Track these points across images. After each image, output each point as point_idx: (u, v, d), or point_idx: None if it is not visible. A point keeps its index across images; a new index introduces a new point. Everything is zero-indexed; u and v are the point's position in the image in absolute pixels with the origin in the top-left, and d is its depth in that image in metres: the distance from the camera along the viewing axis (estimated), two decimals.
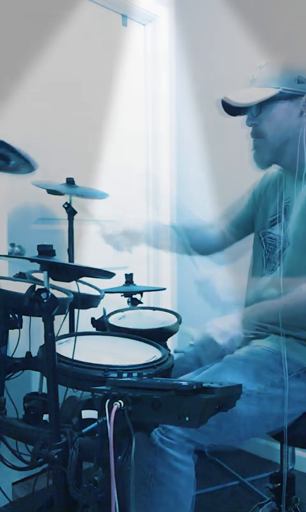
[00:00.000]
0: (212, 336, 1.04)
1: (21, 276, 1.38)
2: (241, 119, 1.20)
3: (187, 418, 0.73)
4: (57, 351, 1.00)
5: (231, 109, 1.18)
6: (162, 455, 0.99)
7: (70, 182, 1.63)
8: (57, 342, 1.02)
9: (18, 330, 1.19)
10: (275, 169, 1.29)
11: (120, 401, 0.77)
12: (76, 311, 1.45)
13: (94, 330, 1.51)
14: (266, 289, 1.22)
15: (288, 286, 1.12)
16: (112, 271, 1.07)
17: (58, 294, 1.22)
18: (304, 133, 1.12)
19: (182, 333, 1.44)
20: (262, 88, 1.11)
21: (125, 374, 0.88)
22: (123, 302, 1.71)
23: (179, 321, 1.53)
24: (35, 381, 1.55)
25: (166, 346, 1.39)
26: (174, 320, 1.55)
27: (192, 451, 1.02)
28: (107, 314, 1.52)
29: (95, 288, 1.53)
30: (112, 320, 1.52)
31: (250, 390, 1.04)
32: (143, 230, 1.38)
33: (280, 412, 1.05)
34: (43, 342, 0.98)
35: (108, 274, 1.07)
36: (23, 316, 1.19)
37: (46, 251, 0.99)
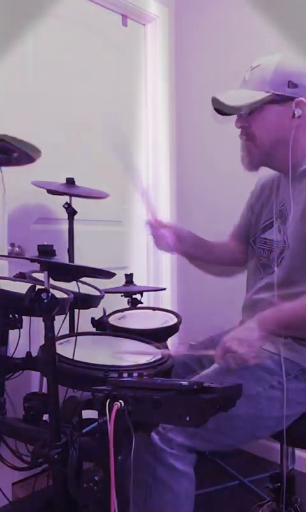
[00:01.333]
0: (231, 347, 1.01)
1: (21, 276, 1.38)
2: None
3: (187, 418, 0.73)
4: (57, 351, 1.00)
5: (220, 110, 1.18)
6: (162, 454, 0.99)
7: (70, 182, 1.63)
8: (57, 342, 1.02)
9: (18, 330, 1.19)
10: (267, 173, 1.28)
11: (120, 401, 0.77)
12: (76, 311, 1.46)
13: (94, 330, 1.51)
14: (262, 291, 1.21)
15: (287, 288, 1.11)
16: (112, 271, 1.07)
17: (59, 294, 1.22)
18: (296, 135, 1.11)
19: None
20: (252, 91, 1.10)
21: (125, 374, 0.87)
22: (123, 302, 1.71)
23: (179, 321, 1.53)
24: (35, 381, 1.55)
25: (166, 346, 1.39)
26: (175, 319, 1.55)
27: (193, 461, 1.02)
28: (107, 314, 1.52)
29: (95, 288, 1.53)
30: (112, 320, 1.52)
31: (249, 393, 1.03)
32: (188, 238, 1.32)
33: (280, 414, 1.05)
34: (43, 342, 0.98)
35: (108, 274, 1.07)
36: (23, 316, 1.18)
37: (46, 251, 0.99)
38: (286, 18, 1.89)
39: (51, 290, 0.94)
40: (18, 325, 1.17)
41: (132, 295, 1.69)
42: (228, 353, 1.02)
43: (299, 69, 1.11)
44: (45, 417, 1.09)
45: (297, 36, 1.83)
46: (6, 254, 1.62)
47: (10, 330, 1.20)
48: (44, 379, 1.00)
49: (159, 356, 1.15)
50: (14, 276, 1.40)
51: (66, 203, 1.68)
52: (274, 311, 1.07)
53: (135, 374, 0.86)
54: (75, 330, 1.42)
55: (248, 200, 1.38)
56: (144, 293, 1.72)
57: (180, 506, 1.01)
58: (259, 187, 1.34)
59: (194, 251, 1.36)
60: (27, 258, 1.00)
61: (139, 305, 1.70)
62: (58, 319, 1.03)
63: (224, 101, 1.12)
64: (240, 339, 1.02)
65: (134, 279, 1.71)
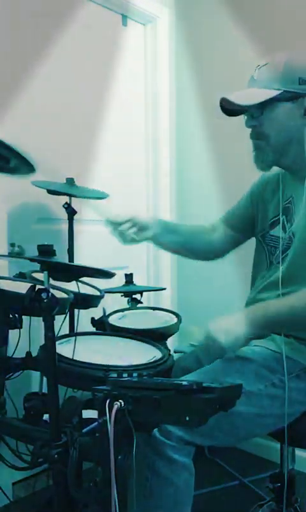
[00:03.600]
0: (216, 335, 1.03)
1: (21, 276, 1.38)
2: (241, 118, 1.19)
3: (187, 418, 0.73)
4: (57, 351, 1.00)
5: (229, 110, 1.17)
6: (161, 454, 0.99)
7: (70, 182, 1.63)
8: (57, 342, 1.02)
9: (18, 330, 1.19)
10: (273, 170, 1.28)
11: (120, 401, 0.77)
12: (76, 311, 1.46)
13: (94, 330, 1.51)
14: (266, 289, 1.21)
15: (291, 286, 1.11)
16: (112, 271, 1.07)
17: (59, 294, 1.22)
18: None
19: (183, 333, 1.43)
20: (262, 90, 1.10)
21: (125, 374, 0.88)
22: (123, 302, 1.71)
23: (179, 321, 1.53)
24: (35, 381, 1.55)
25: (166, 346, 1.39)
26: (175, 319, 1.56)
27: (192, 452, 1.02)
28: (107, 314, 1.52)
29: (95, 288, 1.53)
30: (112, 320, 1.52)
31: (250, 390, 1.03)
32: (153, 224, 1.30)
33: (280, 412, 1.05)
34: (43, 342, 0.98)
35: (108, 274, 1.07)
36: (23, 316, 1.18)
37: (46, 251, 0.99)
38: (287, 18, 1.89)
39: (51, 290, 0.94)
40: (18, 325, 1.17)
41: (132, 295, 1.69)
42: (213, 343, 1.03)
43: None
44: (45, 417, 1.09)
45: (299, 35, 1.84)
46: (6, 254, 1.61)
47: (10, 330, 1.20)
48: (44, 379, 1.00)
49: (159, 356, 1.16)
50: (14, 276, 1.40)
51: (66, 203, 1.68)
52: (262, 307, 1.09)
53: (135, 374, 0.86)
54: (75, 330, 1.42)
55: (249, 190, 1.37)
56: (144, 293, 1.72)
57: (180, 498, 1.01)
58: (263, 181, 1.33)
59: (174, 240, 1.36)
60: (27, 258, 1.00)
61: (139, 305, 1.70)
62: (58, 319, 1.03)
63: (235, 101, 1.11)
64: (226, 331, 1.03)
65: (134, 279, 1.71)
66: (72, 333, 1.38)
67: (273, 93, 1.08)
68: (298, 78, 1.08)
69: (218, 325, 1.04)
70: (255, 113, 1.13)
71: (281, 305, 1.07)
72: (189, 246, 1.40)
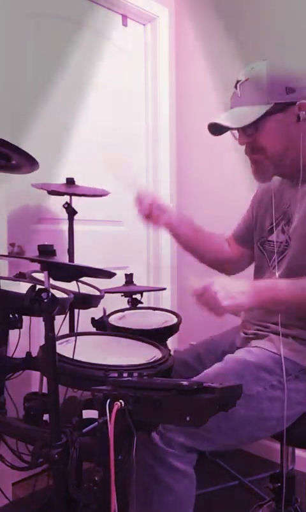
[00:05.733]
0: (217, 293, 0.96)
1: (21, 276, 1.38)
2: None
3: (187, 418, 0.73)
4: (57, 351, 1.00)
5: (217, 130, 1.16)
6: (162, 454, 0.98)
7: (70, 182, 1.63)
8: (57, 342, 1.02)
9: (18, 330, 1.19)
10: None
11: (120, 401, 0.77)
12: (76, 311, 1.46)
13: (94, 330, 1.51)
14: None
15: None
16: (112, 271, 1.07)
17: (59, 294, 1.22)
18: (304, 138, 1.10)
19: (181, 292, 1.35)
20: (252, 107, 1.08)
21: (125, 374, 0.87)
22: (123, 302, 1.71)
23: (179, 321, 1.53)
24: (35, 381, 1.55)
25: (166, 346, 1.39)
26: (175, 319, 1.55)
27: (194, 460, 1.02)
28: (107, 314, 1.52)
29: (95, 288, 1.53)
30: (112, 320, 1.52)
31: (250, 394, 1.03)
32: (173, 211, 1.31)
33: (280, 414, 1.05)
34: (43, 342, 0.98)
35: (108, 274, 1.07)
36: (23, 316, 1.18)
37: (46, 251, 0.99)
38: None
39: (51, 290, 0.94)
40: (18, 325, 1.17)
41: (132, 295, 1.69)
42: (211, 298, 0.96)
43: (292, 73, 1.09)
44: (45, 417, 1.09)
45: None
46: (6, 254, 1.62)
47: (10, 330, 1.20)
48: (44, 379, 1.00)
49: (159, 356, 1.15)
50: (14, 276, 1.40)
51: (66, 203, 1.68)
52: (270, 286, 1.06)
53: (135, 374, 0.86)
54: (75, 330, 1.42)
55: (250, 204, 1.38)
56: (144, 293, 1.72)
57: (181, 506, 1.00)
58: (260, 192, 1.34)
59: (191, 235, 1.36)
60: (27, 258, 1.00)
61: (139, 305, 1.70)
62: (58, 319, 1.03)
63: (227, 124, 1.10)
64: (229, 294, 0.97)
65: (134, 279, 1.71)
66: (73, 333, 1.38)
67: (264, 109, 1.07)
68: (284, 87, 1.06)
69: (222, 285, 0.98)
70: (249, 130, 1.11)
71: (288, 285, 1.05)
72: (206, 248, 1.39)
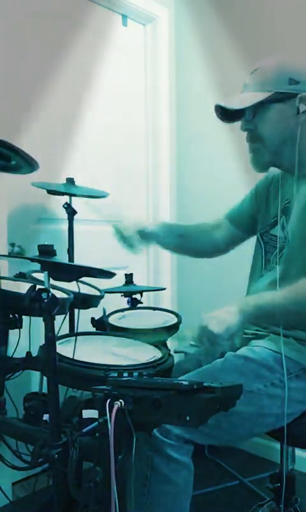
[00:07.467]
0: (208, 326, 1.02)
1: (21, 276, 1.38)
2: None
3: (187, 418, 0.73)
4: (57, 351, 1.00)
5: (226, 116, 1.19)
6: (161, 454, 0.99)
7: (70, 182, 1.63)
8: (57, 342, 1.02)
9: (18, 330, 1.19)
10: (276, 170, 1.29)
11: (120, 401, 0.77)
12: (76, 311, 1.46)
13: (94, 330, 1.51)
14: (265, 289, 1.21)
15: (285, 285, 1.11)
16: (112, 271, 1.07)
17: (59, 294, 1.22)
18: (302, 131, 1.12)
19: (181, 338, 1.43)
20: (254, 93, 1.11)
21: (125, 374, 0.87)
22: (123, 302, 1.71)
23: (179, 321, 1.53)
24: (35, 381, 1.55)
25: (166, 346, 1.39)
26: (175, 319, 1.55)
27: (191, 451, 1.02)
28: (107, 314, 1.52)
29: (95, 288, 1.53)
30: (112, 320, 1.52)
31: (250, 390, 1.03)
32: (156, 230, 1.34)
33: (280, 411, 1.05)
34: (43, 342, 0.98)
35: (108, 274, 1.07)
36: (23, 316, 1.19)
37: (46, 251, 0.99)
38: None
39: (51, 290, 0.94)
40: (18, 325, 1.17)
41: (132, 295, 1.69)
42: (205, 331, 1.03)
43: (300, 67, 1.12)
44: (45, 417, 1.09)
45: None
46: (6, 254, 1.61)
47: (10, 330, 1.20)
48: (44, 379, 1.00)
49: (159, 356, 1.16)
50: (14, 276, 1.40)
51: (66, 203, 1.68)
52: (255, 297, 1.10)
53: (135, 374, 0.87)
54: (75, 330, 1.42)
55: (254, 188, 1.37)
56: (144, 293, 1.72)
57: (179, 497, 1.01)
58: (267, 180, 1.33)
59: (177, 242, 1.40)
60: (27, 258, 1.00)
61: (139, 305, 1.70)
62: (58, 319, 1.03)
63: (228, 106, 1.13)
64: (219, 320, 1.03)
65: (134, 279, 1.71)
66: (73, 333, 1.38)
67: (264, 95, 1.10)
68: (288, 78, 1.09)
69: (211, 315, 1.05)
70: (248, 115, 1.14)
71: (273, 295, 1.09)
72: (193, 246, 1.43)
